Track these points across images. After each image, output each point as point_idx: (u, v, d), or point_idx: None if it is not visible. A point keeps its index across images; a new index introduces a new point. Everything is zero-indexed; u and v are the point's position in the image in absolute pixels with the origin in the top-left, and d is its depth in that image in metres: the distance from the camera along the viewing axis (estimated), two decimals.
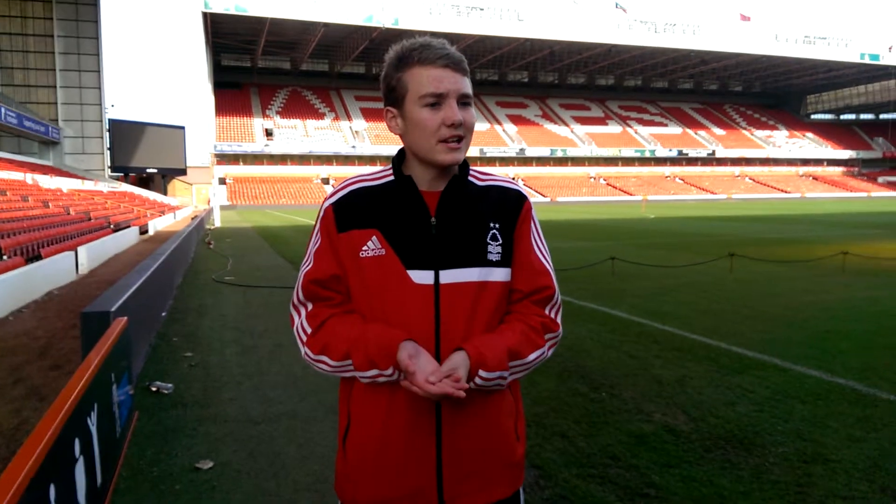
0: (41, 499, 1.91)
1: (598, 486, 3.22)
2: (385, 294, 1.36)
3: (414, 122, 1.36)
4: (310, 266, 1.42)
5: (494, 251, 1.40)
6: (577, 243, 17.64)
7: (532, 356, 1.40)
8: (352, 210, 1.40)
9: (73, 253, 12.76)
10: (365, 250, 1.37)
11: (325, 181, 62.65)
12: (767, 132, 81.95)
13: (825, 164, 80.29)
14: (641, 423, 4.03)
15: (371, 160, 63.96)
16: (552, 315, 1.45)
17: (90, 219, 22.09)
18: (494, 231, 1.41)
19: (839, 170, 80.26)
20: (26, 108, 40.97)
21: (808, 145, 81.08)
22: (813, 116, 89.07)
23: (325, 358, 1.38)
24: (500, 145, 69.21)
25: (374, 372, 1.33)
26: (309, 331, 1.41)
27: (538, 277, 1.44)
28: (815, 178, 77.12)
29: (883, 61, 68.52)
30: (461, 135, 1.35)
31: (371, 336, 1.33)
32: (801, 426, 3.94)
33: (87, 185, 35.49)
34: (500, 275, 1.41)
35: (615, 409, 4.31)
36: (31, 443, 1.95)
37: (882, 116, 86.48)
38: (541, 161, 70.91)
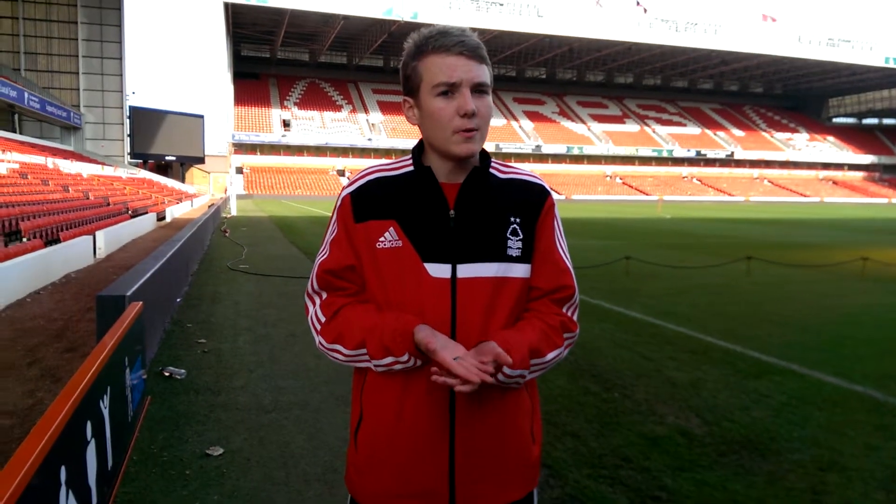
0: (52, 480, 1.91)
1: (608, 487, 3.18)
2: (401, 286, 1.34)
3: (428, 113, 1.32)
4: (325, 256, 1.41)
5: (514, 246, 1.36)
6: (592, 242, 17.53)
7: (550, 355, 1.37)
8: (370, 200, 1.37)
9: (91, 237, 12.89)
10: (382, 241, 1.34)
11: (341, 173, 62.82)
12: (787, 135, 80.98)
13: (846, 168, 79.23)
14: (654, 426, 3.98)
15: (387, 153, 63.98)
16: (570, 314, 1.43)
17: (109, 204, 22.30)
18: (515, 226, 1.37)
19: (860, 174, 79.19)
20: (49, 94, 41.48)
21: (829, 149, 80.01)
22: (834, 120, 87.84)
23: (339, 347, 1.36)
24: (517, 141, 68.97)
25: (389, 359, 1.31)
26: (323, 319, 1.39)
27: (560, 276, 1.41)
28: (834, 183, 76.14)
29: None
30: (476, 125, 1.31)
31: (386, 323, 1.31)
32: (817, 433, 3.88)
33: (107, 171, 35.81)
34: (520, 271, 1.37)
35: (628, 410, 4.27)
36: (43, 424, 1.95)
37: None
38: (557, 158, 70.58)
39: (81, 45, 45.62)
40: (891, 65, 66.96)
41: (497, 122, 69.98)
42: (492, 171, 1.41)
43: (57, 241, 12.04)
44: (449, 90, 1.29)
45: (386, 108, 68.88)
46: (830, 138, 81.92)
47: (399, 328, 1.29)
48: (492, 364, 1.22)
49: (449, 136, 1.31)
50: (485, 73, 1.32)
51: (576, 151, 70.62)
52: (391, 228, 1.34)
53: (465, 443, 1.33)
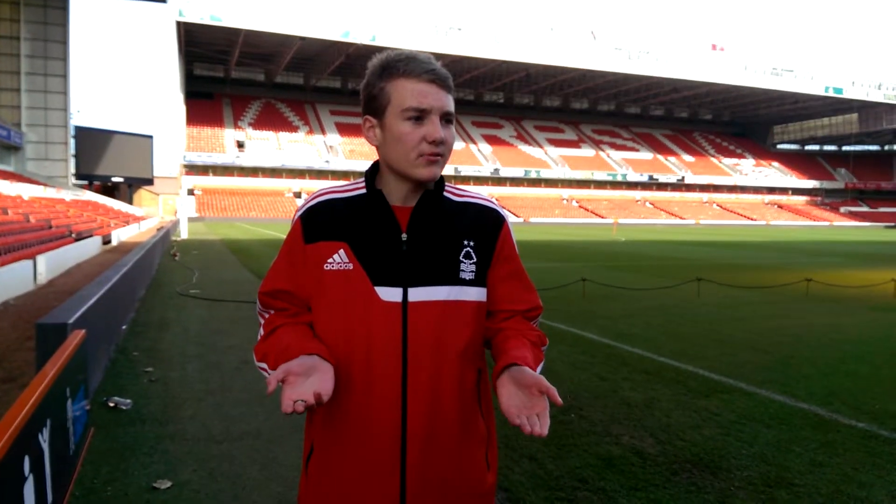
0: None
1: None
2: (350, 310, 1.33)
3: (394, 135, 1.32)
4: (265, 278, 1.45)
5: (468, 269, 1.36)
6: (550, 264, 17.75)
7: (538, 369, 1.39)
8: (321, 221, 1.37)
9: (31, 262, 12.38)
10: (330, 263, 1.34)
11: (297, 195, 62.23)
12: (735, 160, 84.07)
13: (790, 192, 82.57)
14: (610, 446, 4.02)
15: (344, 175, 63.75)
16: (538, 328, 1.49)
17: (51, 227, 21.51)
18: (469, 249, 1.38)
19: (803, 199, 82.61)
20: None
21: (774, 174, 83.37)
22: (779, 146, 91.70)
23: (264, 365, 1.38)
24: (475, 164, 69.67)
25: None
26: (261, 336, 1.43)
27: (531, 296, 1.47)
28: (780, 207, 79.21)
29: (846, 95, 70.99)
30: (441, 152, 1.32)
31: (292, 349, 1.28)
32: (765, 450, 3.97)
33: (50, 193, 34.60)
34: (474, 294, 1.37)
35: (584, 431, 4.30)
36: None
37: (844, 148, 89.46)
38: (515, 181, 71.55)
39: (24, 62, 44.16)
40: (830, 94, 70.40)
41: (456, 145, 67.05)
42: (446, 194, 1.42)
43: None
44: (419, 116, 1.30)
45: (344, 129, 68.76)
46: (775, 164, 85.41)
47: (293, 352, 1.27)
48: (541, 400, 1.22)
49: (413, 159, 1.31)
50: (451, 103, 1.35)
51: (533, 175, 71.75)
52: (341, 250, 1.34)
53: (417, 471, 1.32)
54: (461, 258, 1.37)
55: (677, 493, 3.37)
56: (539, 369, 1.38)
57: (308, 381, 1.19)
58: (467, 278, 1.36)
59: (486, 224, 1.42)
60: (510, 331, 1.41)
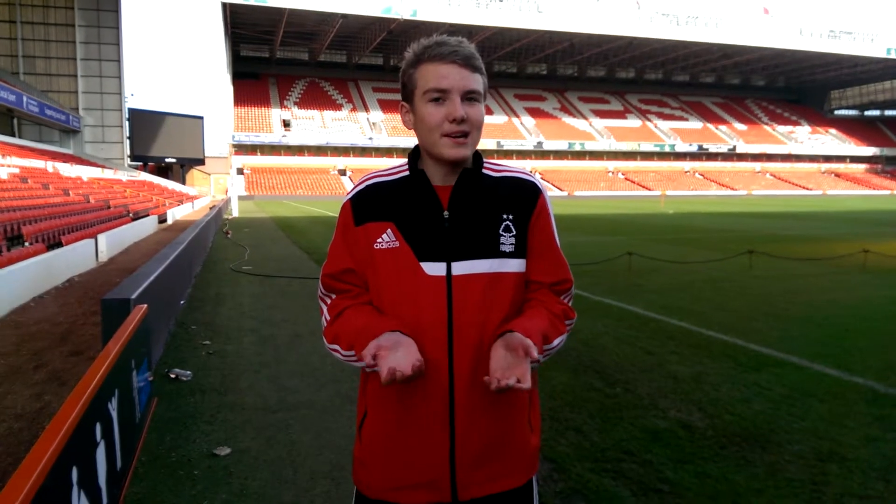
0: (64, 481, 1.95)
1: (611, 480, 3.22)
2: (398, 285, 1.39)
3: (420, 118, 1.39)
4: (326, 261, 1.50)
5: (508, 242, 1.42)
6: (594, 238, 17.55)
7: (556, 341, 1.44)
8: (368, 204, 1.44)
9: (93, 240, 12.94)
10: (379, 242, 1.41)
11: (342, 172, 62.82)
12: (790, 128, 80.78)
13: (848, 160, 79.02)
14: (656, 419, 4.02)
15: (388, 152, 63.99)
16: (568, 302, 1.52)
17: (109, 207, 22.35)
18: (508, 222, 1.43)
19: (862, 167, 78.95)
20: (47, 97, 41.53)
21: (831, 142, 79.80)
22: (836, 112, 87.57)
23: (337, 347, 1.44)
24: (518, 138, 68.89)
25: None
26: (328, 319, 1.49)
27: (560, 269, 1.50)
28: (837, 175, 75.95)
29: None
30: (466, 130, 1.36)
31: (371, 328, 1.35)
32: (817, 424, 3.91)
33: (107, 174, 35.86)
34: (514, 266, 1.42)
35: (630, 404, 4.31)
36: (54, 426, 1.99)
37: None
38: (558, 154, 70.49)
39: (79, 48, 45.62)
40: (892, 56, 66.71)
41: (498, 118, 69.87)
42: (484, 171, 1.47)
43: (59, 245, 12.09)
44: (440, 96, 1.35)
45: (386, 106, 68.83)
46: (833, 131, 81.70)
47: (375, 335, 1.33)
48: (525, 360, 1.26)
49: (437, 139, 1.37)
50: (477, 82, 1.37)
51: (577, 147, 70.51)
52: (389, 230, 1.41)
53: (465, 434, 1.38)
54: (501, 231, 1.42)
55: (726, 466, 3.36)
56: (558, 341, 1.43)
57: (397, 354, 1.27)
58: (507, 251, 1.41)
59: (523, 197, 1.46)
60: (533, 301, 1.46)
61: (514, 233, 1.43)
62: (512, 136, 68.62)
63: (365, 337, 1.34)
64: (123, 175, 39.25)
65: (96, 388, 2.52)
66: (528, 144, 68.69)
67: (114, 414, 2.87)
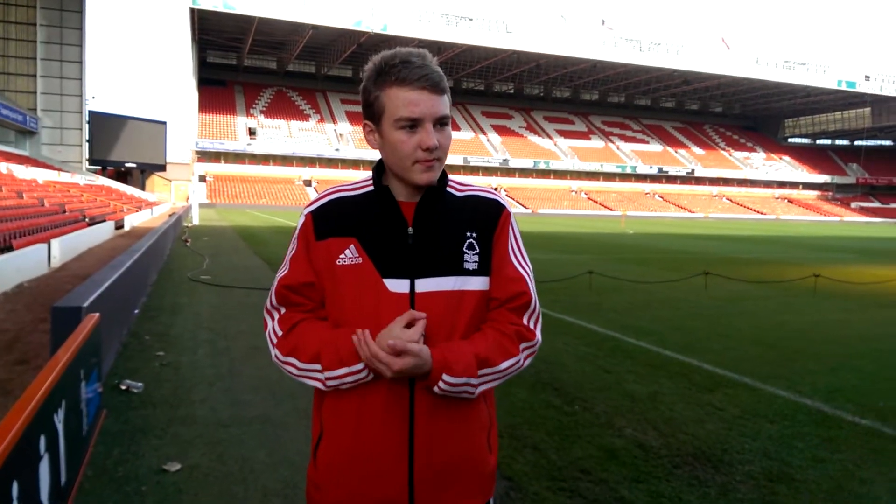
0: (3, 495, 1.87)
1: (567, 499, 3.23)
2: (360, 302, 1.38)
3: (390, 144, 1.37)
4: (285, 272, 1.45)
5: (471, 260, 1.41)
6: (557, 255, 17.75)
7: (505, 364, 1.39)
8: (330, 219, 1.42)
9: (45, 245, 12.53)
10: (342, 258, 1.39)
11: (308, 183, 62.32)
12: (745, 153, 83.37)
13: (800, 187, 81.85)
14: (613, 438, 4.06)
15: (354, 164, 63.80)
16: (529, 324, 1.44)
17: (65, 211, 21.69)
18: (471, 240, 1.42)
19: (814, 193, 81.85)
20: (4, 96, 40.22)
21: (785, 168, 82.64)
22: (790, 140, 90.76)
23: (293, 360, 1.40)
24: (485, 154, 69.46)
25: (343, 370, 1.34)
26: (280, 333, 1.44)
27: (513, 284, 1.43)
28: (790, 201, 78.54)
29: (859, 89, 70.15)
30: (438, 156, 1.36)
31: (342, 336, 1.35)
32: (768, 445, 4.01)
33: (64, 177, 34.85)
34: (478, 283, 1.41)
35: (587, 422, 4.34)
36: None
37: (857, 143, 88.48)
38: (524, 172, 71.30)
39: (40, 48, 44.40)
40: (843, 87, 69.60)
41: (465, 135, 70.37)
42: (449, 189, 1.46)
43: (10, 248, 11.66)
44: (412, 124, 1.34)
45: (354, 118, 68.64)
46: (786, 158, 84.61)
47: (345, 342, 1.35)
48: (411, 359, 1.29)
49: (409, 165, 1.36)
50: (446, 105, 1.37)
51: (542, 166, 71.46)
52: (352, 246, 1.39)
53: (424, 454, 1.37)
54: (464, 249, 1.41)
55: (679, 485, 3.41)
56: (507, 364, 1.39)
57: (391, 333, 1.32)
58: (471, 268, 1.41)
59: (486, 214, 1.46)
60: (486, 323, 1.43)
61: (478, 250, 1.42)
62: (479, 153, 69.13)
63: (334, 348, 1.32)
64: (81, 179, 38.20)
65: (42, 399, 2.43)
66: (495, 161, 69.31)
67: (60, 426, 2.77)
